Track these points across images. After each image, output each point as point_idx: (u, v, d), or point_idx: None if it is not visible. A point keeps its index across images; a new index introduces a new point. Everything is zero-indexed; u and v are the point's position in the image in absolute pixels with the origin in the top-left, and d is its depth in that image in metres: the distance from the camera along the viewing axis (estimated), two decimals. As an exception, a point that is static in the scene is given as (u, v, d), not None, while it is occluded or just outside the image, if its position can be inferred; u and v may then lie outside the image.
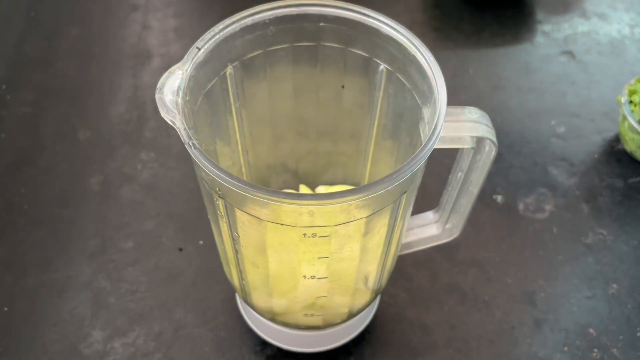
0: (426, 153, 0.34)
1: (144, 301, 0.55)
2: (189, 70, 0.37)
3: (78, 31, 0.76)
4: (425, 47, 0.38)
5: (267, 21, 0.40)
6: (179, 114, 0.35)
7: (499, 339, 0.53)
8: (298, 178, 0.54)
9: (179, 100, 0.36)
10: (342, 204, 0.33)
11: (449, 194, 0.46)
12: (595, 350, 0.53)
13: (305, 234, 0.36)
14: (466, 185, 0.44)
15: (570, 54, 0.75)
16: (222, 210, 0.38)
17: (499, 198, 0.62)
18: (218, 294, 0.55)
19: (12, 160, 0.64)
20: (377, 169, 0.50)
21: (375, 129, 0.47)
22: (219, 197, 0.36)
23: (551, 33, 0.78)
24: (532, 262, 0.58)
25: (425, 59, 0.38)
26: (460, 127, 0.39)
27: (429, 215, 0.50)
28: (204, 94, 0.40)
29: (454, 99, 0.39)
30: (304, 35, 0.42)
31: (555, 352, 0.53)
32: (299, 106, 0.48)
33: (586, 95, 0.71)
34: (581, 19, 0.78)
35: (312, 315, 0.46)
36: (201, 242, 0.58)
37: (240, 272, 0.44)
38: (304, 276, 0.41)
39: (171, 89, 0.36)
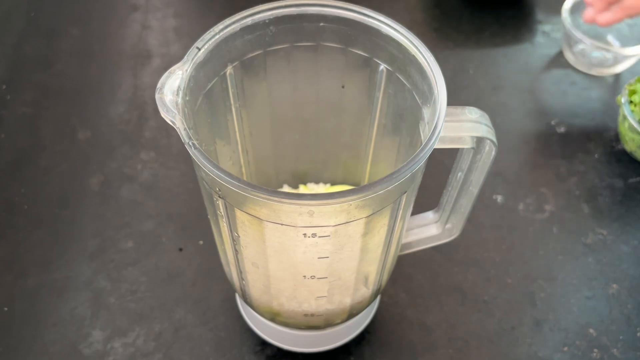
0: (426, 153, 0.34)
1: (144, 301, 0.55)
2: (189, 70, 0.37)
3: (78, 31, 0.76)
4: (425, 47, 0.38)
5: (267, 21, 0.40)
6: (179, 114, 0.35)
7: (499, 339, 0.53)
8: (298, 178, 0.54)
9: (179, 100, 0.36)
10: (342, 204, 0.33)
11: (449, 194, 0.46)
12: (595, 350, 0.53)
13: (305, 234, 0.36)
14: (466, 185, 0.44)
15: (570, 54, 0.75)
16: (222, 210, 0.38)
17: (499, 198, 0.62)
18: (218, 294, 0.55)
19: (12, 160, 0.64)
20: (377, 169, 0.50)
21: (375, 129, 0.47)
22: (219, 197, 0.36)
23: (551, 33, 0.78)
24: (532, 262, 0.58)
25: (425, 59, 0.38)
26: (460, 127, 0.39)
27: (429, 215, 0.50)
28: (204, 94, 0.40)
29: (454, 99, 0.39)
30: (304, 35, 0.42)
31: (555, 352, 0.53)
32: (299, 106, 0.48)
33: (586, 95, 0.71)
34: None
35: (312, 315, 0.46)
36: (201, 242, 0.58)
37: (240, 272, 0.44)
38: (304, 276, 0.41)
39: (171, 89, 0.36)
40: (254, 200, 0.33)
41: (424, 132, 0.40)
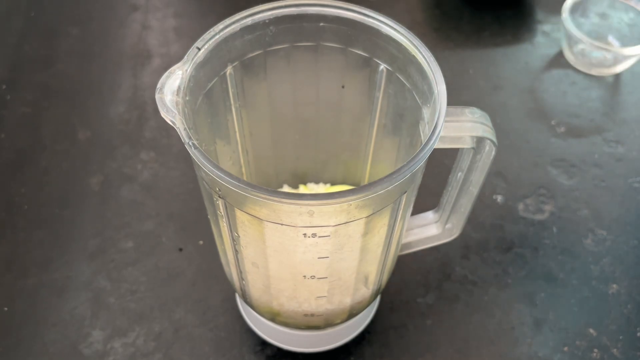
0: (426, 153, 0.34)
1: (144, 301, 0.55)
2: (189, 70, 0.37)
3: (78, 31, 0.76)
4: (425, 47, 0.38)
5: (267, 21, 0.40)
6: (179, 114, 0.35)
7: (499, 339, 0.53)
8: (298, 178, 0.54)
9: (179, 100, 0.36)
10: (342, 204, 0.33)
11: (449, 194, 0.46)
12: (595, 350, 0.53)
13: (305, 234, 0.36)
14: (466, 185, 0.44)
15: (570, 54, 0.75)
16: (222, 210, 0.38)
17: (499, 198, 0.62)
18: (218, 294, 0.55)
19: (12, 160, 0.64)
20: (377, 169, 0.50)
21: (375, 129, 0.47)
22: (219, 197, 0.36)
23: (551, 33, 0.78)
24: (532, 262, 0.58)
25: (425, 59, 0.38)
26: (460, 127, 0.39)
27: (429, 215, 0.50)
28: (204, 94, 0.40)
29: (454, 99, 0.39)
30: (304, 35, 0.42)
31: (555, 352, 0.53)
32: (299, 106, 0.48)
33: (586, 95, 0.71)
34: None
35: (312, 315, 0.46)
36: (201, 242, 0.58)
37: (240, 272, 0.44)
38: (304, 276, 0.41)
39: (171, 89, 0.36)
40: (254, 200, 0.33)
41: (424, 132, 0.40)
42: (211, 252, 0.57)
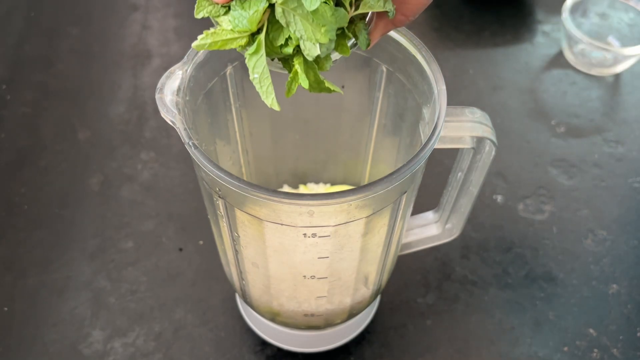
0: (426, 153, 0.34)
1: (144, 301, 0.55)
2: (189, 70, 0.37)
3: (78, 31, 0.76)
4: (425, 47, 0.38)
5: (267, 21, 0.40)
6: (179, 114, 0.35)
7: (499, 339, 0.53)
8: (298, 178, 0.54)
9: (179, 100, 0.36)
10: (342, 204, 0.33)
11: (449, 194, 0.46)
12: (595, 350, 0.53)
13: (305, 234, 0.36)
14: (466, 185, 0.44)
15: (570, 54, 0.75)
16: (222, 210, 0.38)
17: (499, 198, 0.62)
18: (218, 294, 0.55)
19: (12, 160, 0.64)
20: (377, 169, 0.50)
21: (375, 129, 0.47)
22: (219, 197, 0.36)
23: (551, 33, 0.78)
24: (532, 262, 0.58)
25: (425, 59, 0.38)
26: (460, 127, 0.39)
27: (429, 215, 0.50)
28: (204, 94, 0.40)
29: (454, 99, 0.39)
30: (304, 35, 0.42)
31: (555, 352, 0.53)
32: (299, 106, 0.48)
33: (586, 95, 0.71)
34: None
35: (312, 315, 0.46)
36: (201, 242, 0.58)
37: (240, 272, 0.44)
38: (304, 276, 0.41)
39: (171, 89, 0.36)
40: (254, 200, 0.33)
41: (424, 132, 0.40)
42: (211, 252, 0.57)
